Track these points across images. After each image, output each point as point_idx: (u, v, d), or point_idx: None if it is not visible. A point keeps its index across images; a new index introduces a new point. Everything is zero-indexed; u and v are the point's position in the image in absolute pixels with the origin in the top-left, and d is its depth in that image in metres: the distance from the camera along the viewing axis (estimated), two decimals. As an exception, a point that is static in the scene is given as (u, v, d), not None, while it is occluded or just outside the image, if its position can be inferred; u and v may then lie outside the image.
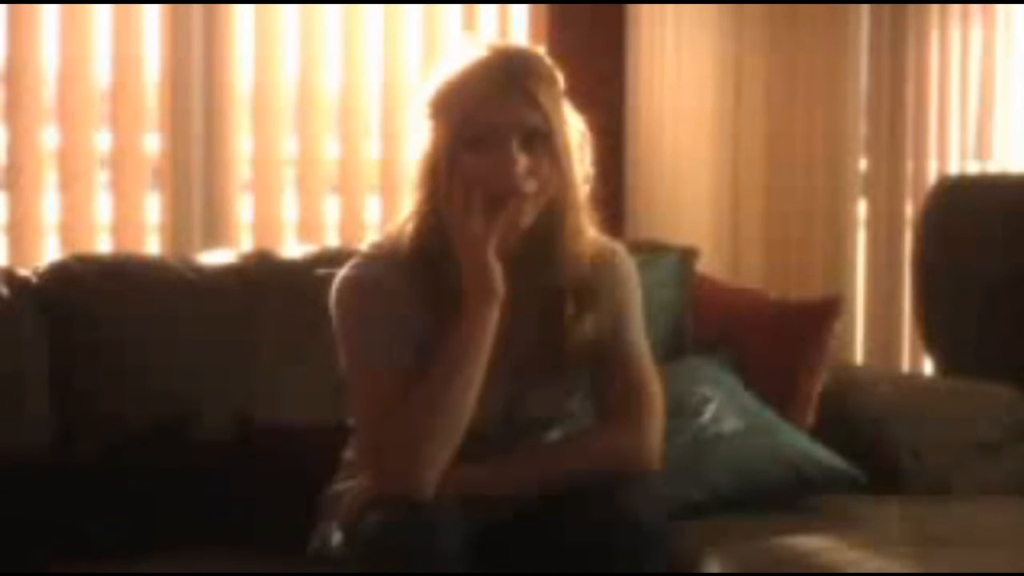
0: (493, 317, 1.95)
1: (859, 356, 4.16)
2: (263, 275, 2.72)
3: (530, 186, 1.96)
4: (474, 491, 1.96)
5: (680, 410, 2.62)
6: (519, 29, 3.67)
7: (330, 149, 3.39)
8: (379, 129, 3.45)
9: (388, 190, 3.41)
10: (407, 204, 2.05)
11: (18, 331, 2.48)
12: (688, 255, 3.21)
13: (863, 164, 4.16)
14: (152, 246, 3.15)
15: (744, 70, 3.92)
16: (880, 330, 4.19)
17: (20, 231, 2.99)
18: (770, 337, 2.99)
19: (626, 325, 2.10)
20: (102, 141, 3.11)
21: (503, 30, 3.63)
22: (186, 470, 2.43)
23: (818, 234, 4.00)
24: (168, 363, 2.55)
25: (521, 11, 3.67)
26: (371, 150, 3.44)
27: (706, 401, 2.73)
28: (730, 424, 2.69)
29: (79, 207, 3.07)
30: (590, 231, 2.08)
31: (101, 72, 3.10)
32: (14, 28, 2.97)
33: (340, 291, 2.02)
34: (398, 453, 1.91)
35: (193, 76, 3.15)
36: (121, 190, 3.12)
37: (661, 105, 3.79)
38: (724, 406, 2.73)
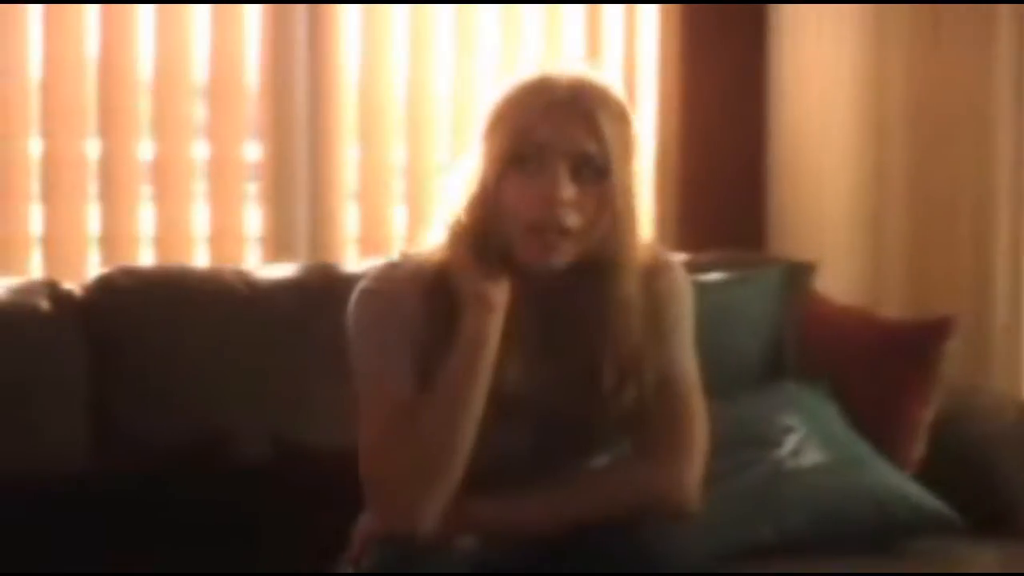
0: (490, 331, 1.80)
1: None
2: (322, 290, 2.59)
3: (571, 220, 1.79)
4: (489, 528, 1.84)
5: (757, 440, 2.47)
6: (648, 30, 3.48)
7: (440, 157, 3.24)
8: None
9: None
10: (439, 219, 1.90)
11: (59, 347, 2.41)
12: (798, 270, 2.97)
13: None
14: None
15: (888, 73, 3.66)
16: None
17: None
18: (877, 360, 2.78)
19: (674, 346, 1.92)
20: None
21: (630, 30, 3.46)
22: (223, 494, 2.35)
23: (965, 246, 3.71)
24: (214, 383, 2.46)
25: (651, 11, 3.48)
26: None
27: (789, 431, 2.54)
28: (812, 456, 2.49)
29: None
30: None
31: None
32: (106, 29, 2.87)
33: (357, 305, 1.90)
34: (392, 483, 1.80)
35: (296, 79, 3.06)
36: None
37: (807, 113, 3.55)
38: (808, 437, 2.54)
